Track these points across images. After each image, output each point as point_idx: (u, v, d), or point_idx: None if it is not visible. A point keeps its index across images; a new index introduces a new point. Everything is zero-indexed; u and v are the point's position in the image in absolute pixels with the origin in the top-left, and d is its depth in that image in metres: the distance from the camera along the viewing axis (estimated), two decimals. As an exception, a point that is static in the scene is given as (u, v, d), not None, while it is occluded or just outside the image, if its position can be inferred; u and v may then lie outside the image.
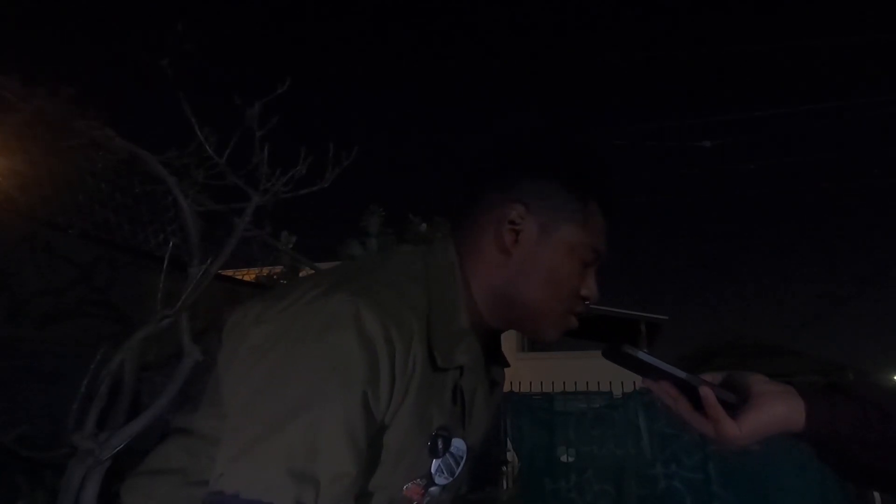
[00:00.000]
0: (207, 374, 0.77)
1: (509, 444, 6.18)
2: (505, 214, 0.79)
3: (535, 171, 0.81)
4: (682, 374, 0.70)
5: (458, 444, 0.77)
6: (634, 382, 5.11)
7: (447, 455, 0.75)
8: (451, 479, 0.77)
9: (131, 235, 2.74)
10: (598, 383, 5.88)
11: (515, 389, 6.43)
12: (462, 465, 0.78)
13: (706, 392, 0.69)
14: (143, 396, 2.02)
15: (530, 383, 6.64)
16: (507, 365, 0.94)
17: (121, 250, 2.62)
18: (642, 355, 0.69)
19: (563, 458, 5.88)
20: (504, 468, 6.43)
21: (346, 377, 0.62)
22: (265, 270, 4.01)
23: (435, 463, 0.74)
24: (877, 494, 5.19)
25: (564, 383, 6.41)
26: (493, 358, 0.88)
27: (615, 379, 5.81)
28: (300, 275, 4.12)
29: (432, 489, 0.75)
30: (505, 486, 6.35)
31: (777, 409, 0.68)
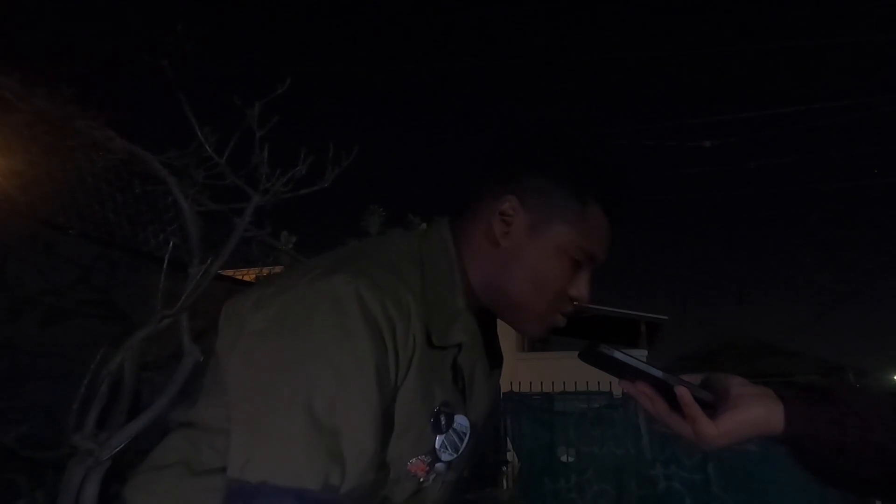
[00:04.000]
0: (206, 368, 0.77)
1: (509, 444, 6.18)
2: (499, 205, 0.79)
3: (537, 167, 0.81)
4: (658, 373, 0.70)
5: (460, 421, 0.77)
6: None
7: (451, 431, 0.76)
8: (455, 455, 0.77)
9: (131, 235, 2.74)
10: (598, 383, 5.87)
11: (515, 389, 6.42)
12: (466, 441, 0.78)
13: (682, 391, 0.68)
14: (143, 396, 2.02)
15: (530, 383, 6.63)
16: (501, 354, 0.94)
17: (121, 250, 2.62)
18: (619, 355, 0.69)
19: (563, 458, 5.88)
20: (504, 468, 6.42)
21: (357, 354, 0.63)
22: (265, 270, 4.00)
23: (439, 439, 0.74)
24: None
25: (564, 383, 6.40)
26: (491, 340, 0.89)
27: (615, 379, 5.79)
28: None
29: (438, 465, 0.75)
30: (505, 486, 6.34)
31: (755, 411, 0.67)
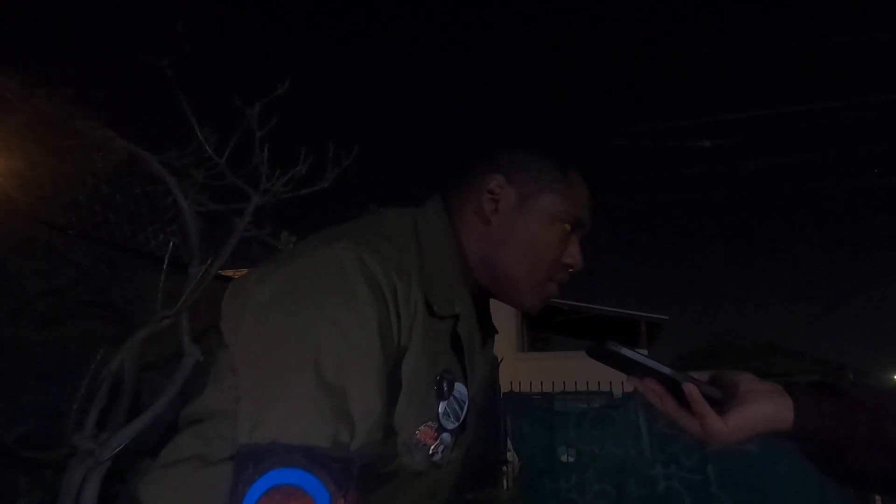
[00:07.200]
0: (207, 367, 0.77)
1: (509, 444, 6.18)
2: (485, 184, 0.82)
3: (517, 142, 0.84)
4: (667, 370, 0.69)
5: (460, 389, 0.79)
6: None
7: (452, 398, 0.77)
8: (457, 423, 0.78)
9: (131, 235, 2.74)
10: (598, 383, 5.87)
11: (515, 389, 6.42)
12: (466, 410, 0.79)
13: (690, 388, 0.68)
14: (143, 396, 2.02)
15: (530, 383, 6.63)
16: (496, 331, 0.96)
17: (121, 250, 2.62)
18: (626, 351, 0.68)
19: (563, 458, 5.88)
20: (504, 468, 6.42)
21: (361, 315, 0.64)
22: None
23: (442, 405, 0.75)
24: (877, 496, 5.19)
25: (564, 383, 6.40)
26: (485, 316, 0.90)
27: (615, 379, 5.80)
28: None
29: (444, 435, 0.76)
30: (505, 486, 6.34)
31: (765, 407, 0.67)
